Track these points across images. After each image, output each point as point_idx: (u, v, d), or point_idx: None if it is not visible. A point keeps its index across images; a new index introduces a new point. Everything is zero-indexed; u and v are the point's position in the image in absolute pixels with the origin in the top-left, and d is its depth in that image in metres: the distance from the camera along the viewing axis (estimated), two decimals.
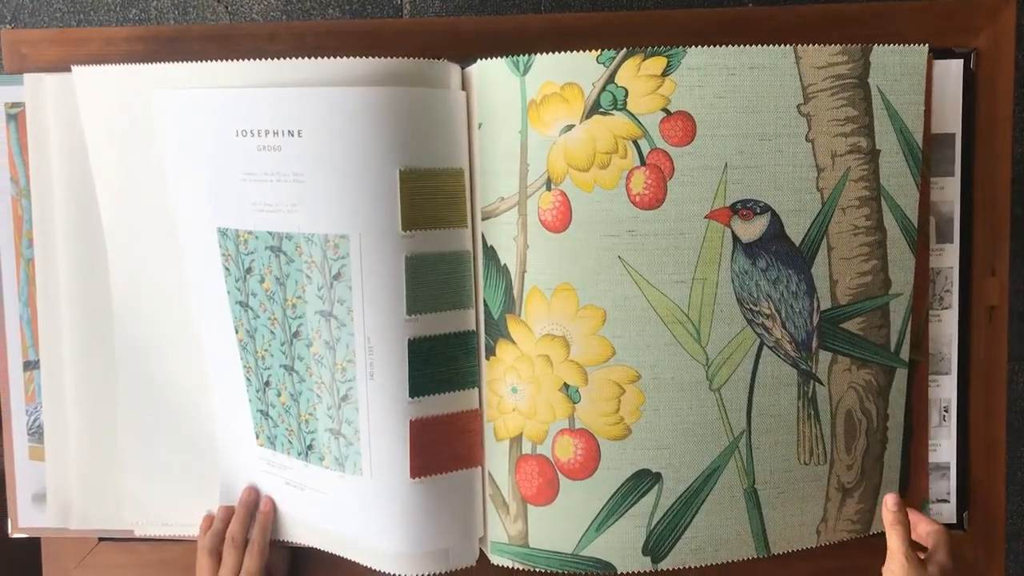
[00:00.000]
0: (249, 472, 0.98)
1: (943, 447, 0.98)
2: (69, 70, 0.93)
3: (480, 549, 0.95)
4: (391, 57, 0.86)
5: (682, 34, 0.95)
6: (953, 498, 0.99)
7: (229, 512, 0.97)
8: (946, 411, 0.98)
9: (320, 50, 0.94)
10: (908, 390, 0.95)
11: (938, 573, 0.82)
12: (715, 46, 0.85)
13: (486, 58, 0.87)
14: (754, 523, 0.91)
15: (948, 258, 0.97)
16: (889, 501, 0.85)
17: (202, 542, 0.95)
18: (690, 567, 0.91)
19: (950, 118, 0.95)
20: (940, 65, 0.93)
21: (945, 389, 0.98)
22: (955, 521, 0.99)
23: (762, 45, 0.86)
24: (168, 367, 0.97)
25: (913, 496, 0.97)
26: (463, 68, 0.90)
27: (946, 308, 0.97)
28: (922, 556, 0.85)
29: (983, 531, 1.00)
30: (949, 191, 0.96)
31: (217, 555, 0.94)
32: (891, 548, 0.84)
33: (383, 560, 0.93)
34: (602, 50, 0.84)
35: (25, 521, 1.03)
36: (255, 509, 0.97)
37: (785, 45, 0.86)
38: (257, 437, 0.96)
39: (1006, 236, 0.98)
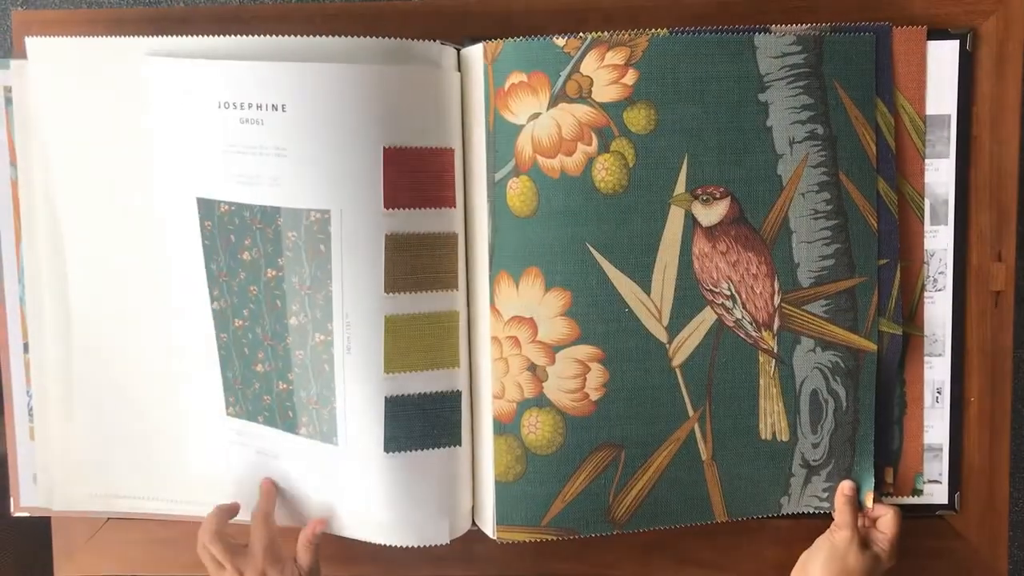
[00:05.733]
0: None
1: (935, 428, 1.06)
2: None
3: (474, 524, 1.06)
4: (388, 37, 0.95)
5: (693, 18, 1.02)
6: (945, 479, 1.07)
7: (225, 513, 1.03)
8: (939, 393, 1.06)
9: (329, 31, 0.99)
10: (899, 367, 1.04)
11: (881, 540, 1.00)
12: (677, 35, 0.95)
13: (478, 41, 0.97)
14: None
15: (942, 240, 1.04)
16: (845, 487, 1.02)
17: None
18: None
19: (946, 99, 1.02)
20: (935, 46, 1.01)
21: (938, 371, 1.06)
22: (946, 501, 1.07)
23: (723, 34, 0.96)
24: (128, 343, 1.06)
25: (906, 470, 1.06)
26: (459, 50, 1.00)
27: (940, 290, 1.05)
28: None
29: (987, 517, 1.08)
30: (944, 172, 1.03)
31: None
32: (839, 522, 1.00)
33: (354, 527, 1.04)
34: (567, 39, 0.95)
35: (26, 500, 1.11)
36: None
37: (743, 35, 0.96)
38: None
39: (1013, 221, 1.04)
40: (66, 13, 1.09)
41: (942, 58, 1.02)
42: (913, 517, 1.06)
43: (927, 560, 1.09)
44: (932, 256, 1.04)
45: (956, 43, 1.01)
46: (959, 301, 1.05)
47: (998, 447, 1.07)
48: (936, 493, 1.08)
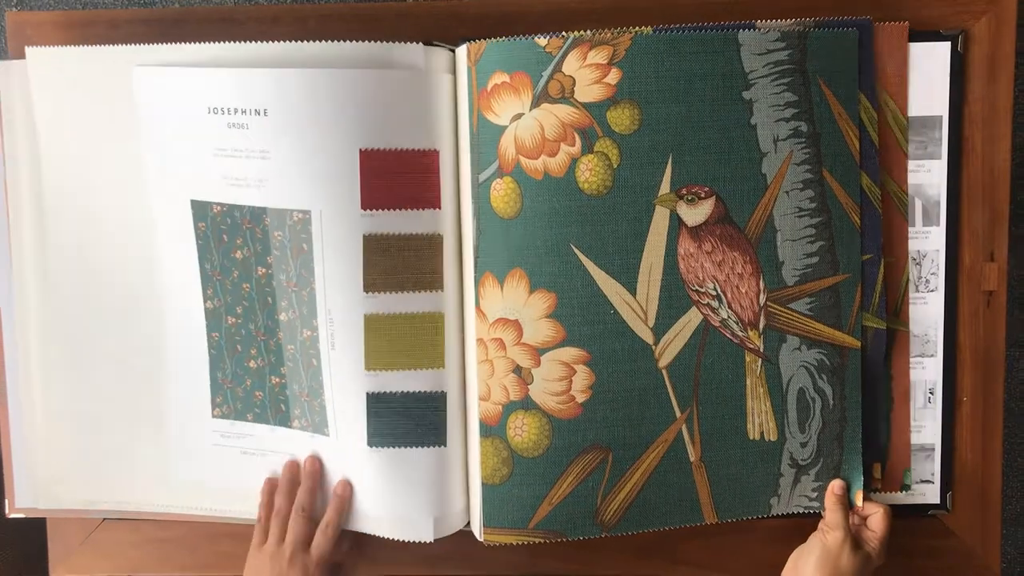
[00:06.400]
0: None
1: (928, 428, 1.06)
2: None
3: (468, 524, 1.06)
4: (370, 41, 0.96)
5: (685, 18, 1.00)
6: (937, 479, 1.07)
7: (291, 488, 1.04)
8: (931, 393, 1.06)
9: (322, 32, 1.02)
10: (886, 366, 1.04)
11: (871, 539, 1.00)
12: (660, 33, 0.95)
13: (470, 41, 0.97)
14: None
15: (934, 241, 1.04)
16: (835, 486, 1.02)
17: (272, 521, 1.03)
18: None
19: (937, 101, 1.03)
20: (926, 48, 1.02)
21: (930, 371, 1.06)
22: (939, 501, 1.08)
23: (706, 32, 0.95)
24: (112, 348, 1.07)
25: (894, 465, 1.06)
26: (454, 51, 1.00)
27: (932, 291, 1.05)
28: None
29: (979, 515, 1.08)
30: (935, 174, 1.03)
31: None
32: (830, 522, 1.00)
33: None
34: (549, 38, 0.94)
35: (21, 502, 1.11)
36: (319, 479, 1.05)
37: (728, 32, 0.96)
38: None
39: (1005, 221, 1.04)
40: (61, 15, 1.08)
41: (934, 60, 1.02)
42: (906, 516, 1.07)
43: (921, 559, 1.09)
44: (924, 257, 1.05)
45: (948, 44, 1.02)
46: (951, 302, 1.06)
47: (991, 446, 1.07)
48: (928, 493, 1.08)
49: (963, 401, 1.07)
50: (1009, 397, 1.73)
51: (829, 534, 0.99)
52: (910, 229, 1.04)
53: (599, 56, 0.95)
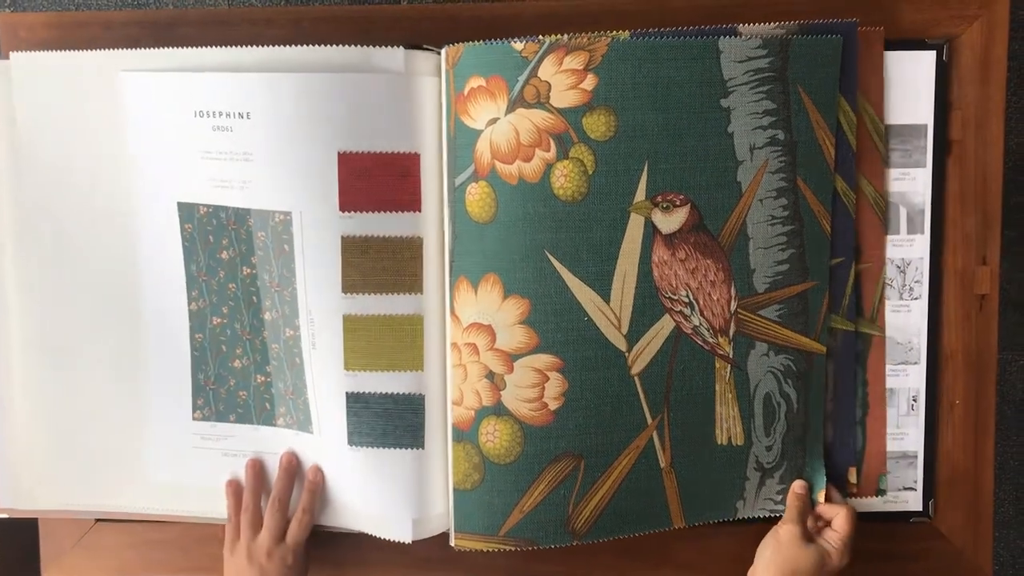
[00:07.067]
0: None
1: (911, 436, 1.07)
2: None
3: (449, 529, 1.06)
4: (362, 44, 0.97)
5: (678, 21, 1.01)
6: (920, 486, 1.07)
7: (257, 485, 1.06)
8: (914, 400, 1.06)
9: (316, 35, 1.02)
10: (859, 369, 1.05)
11: (834, 538, 1.00)
12: (638, 39, 0.94)
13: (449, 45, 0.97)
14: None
15: (918, 248, 1.05)
16: (797, 486, 1.03)
17: (242, 518, 1.05)
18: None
19: (922, 109, 1.03)
20: (912, 56, 1.02)
21: (913, 378, 1.06)
22: (921, 508, 1.08)
23: (686, 38, 0.95)
24: (92, 353, 1.07)
25: (870, 469, 1.06)
26: (440, 54, 1.00)
27: (916, 299, 1.05)
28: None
29: (971, 518, 1.08)
30: (920, 181, 1.04)
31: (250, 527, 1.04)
32: (785, 517, 1.01)
33: (328, 514, 1.07)
34: (525, 43, 0.94)
35: (4, 503, 1.10)
36: (295, 474, 1.07)
37: (707, 39, 0.95)
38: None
39: (998, 224, 1.05)
40: (53, 16, 1.08)
41: (919, 68, 1.03)
42: (893, 521, 1.08)
43: (913, 562, 1.10)
44: (908, 265, 1.05)
45: (932, 54, 1.03)
46: (935, 309, 1.06)
47: (983, 449, 1.08)
48: (911, 500, 1.08)
49: (955, 404, 1.07)
50: (1002, 401, 1.72)
51: (781, 528, 1.00)
52: (895, 237, 1.05)
53: (575, 61, 0.94)
